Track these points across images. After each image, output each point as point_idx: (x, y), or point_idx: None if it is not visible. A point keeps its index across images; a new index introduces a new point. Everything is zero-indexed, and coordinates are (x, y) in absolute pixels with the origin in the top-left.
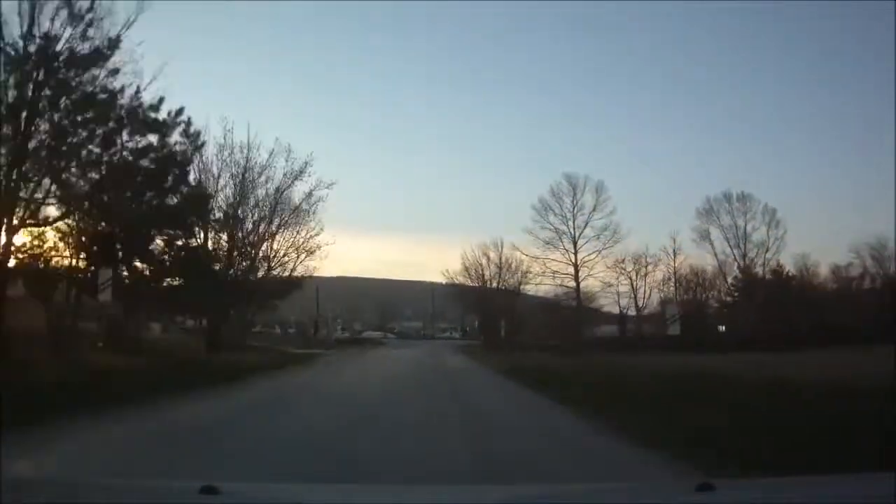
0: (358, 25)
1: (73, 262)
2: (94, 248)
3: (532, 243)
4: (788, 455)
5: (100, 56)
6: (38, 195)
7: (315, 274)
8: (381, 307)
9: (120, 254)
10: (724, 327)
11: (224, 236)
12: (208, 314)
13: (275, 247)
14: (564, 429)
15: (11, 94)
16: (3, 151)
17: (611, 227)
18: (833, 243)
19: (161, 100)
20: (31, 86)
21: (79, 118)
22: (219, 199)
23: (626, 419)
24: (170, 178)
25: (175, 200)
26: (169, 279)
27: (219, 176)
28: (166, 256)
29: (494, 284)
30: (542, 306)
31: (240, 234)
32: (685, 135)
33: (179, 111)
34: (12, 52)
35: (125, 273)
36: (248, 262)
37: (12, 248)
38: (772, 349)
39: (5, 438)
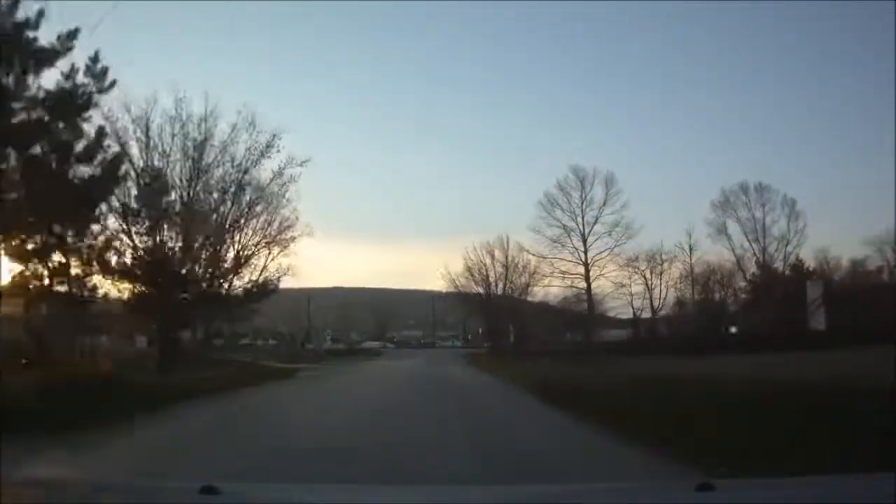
0: (347, 13)
1: None
2: None
3: (539, 243)
4: None
5: None
6: None
7: (310, 285)
8: (379, 316)
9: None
10: (734, 328)
11: (176, 229)
12: (161, 325)
13: (242, 240)
14: None
15: None
16: None
17: (623, 223)
18: (856, 235)
19: (41, 14)
20: None
21: None
22: (170, 181)
23: None
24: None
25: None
26: (113, 281)
27: (169, 154)
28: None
29: (500, 287)
30: (551, 309)
31: (196, 227)
32: (698, 123)
33: (73, 33)
34: None
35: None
36: (208, 260)
37: None
38: (790, 348)
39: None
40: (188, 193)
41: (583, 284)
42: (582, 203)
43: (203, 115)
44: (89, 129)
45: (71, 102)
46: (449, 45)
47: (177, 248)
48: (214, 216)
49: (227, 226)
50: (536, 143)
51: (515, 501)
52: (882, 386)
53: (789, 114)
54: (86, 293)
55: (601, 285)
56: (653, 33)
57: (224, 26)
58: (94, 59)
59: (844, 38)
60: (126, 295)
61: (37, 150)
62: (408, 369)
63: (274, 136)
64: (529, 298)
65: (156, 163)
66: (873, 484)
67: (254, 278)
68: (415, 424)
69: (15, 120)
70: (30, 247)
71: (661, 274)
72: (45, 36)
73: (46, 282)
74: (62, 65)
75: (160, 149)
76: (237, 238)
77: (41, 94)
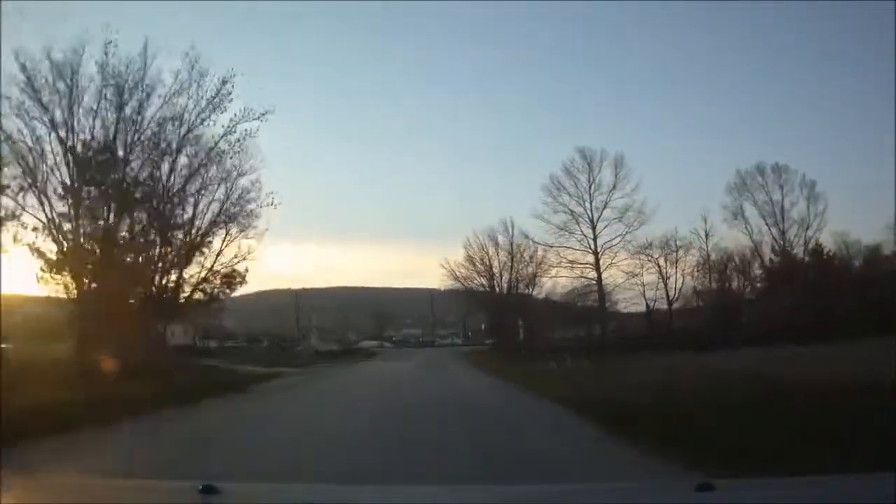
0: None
1: None
2: None
3: (545, 231)
4: None
5: None
6: None
7: (310, 285)
8: (377, 315)
9: None
10: (745, 318)
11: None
12: (80, 327)
13: (186, 216)
14: None
15: None
16: None
17: (633, 207)
18: (877, 217)
19: None
20: None
21: None
22: (88, 136)
23: None
24: None
25: None
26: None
27: (97, 110)
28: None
29: (505, 278)
30: (559, 302)
31: (131, 202)
32: (711, 100)
33: None
34: None
35: None
36: (148, 244)
37: None
38: (814, 340)
39: None
40: (122, 158)
41: (593, 274)
42: (590, 187)
43: (142, 63)
44: None
45: None
46: (448, 27)
47: (107, 231)
48: (155, 185)
49: (171, 197)
50: (538, 131)
51: (515, 501)
52: None
53: (807, 90)
54: None
55: (612, 275)
56: (665, 8)
57: (214, 27)
58: None
59: (864, 10)
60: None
61: None
62: (406, 374)
63: (224, 81)
64: (535, 291)
65: (81, 121)
66: (873, 484)
67: (209, 265)
68: None
69: None
70: None
71: (676, 262)
72: None
73: None
74: None
75: (84, 104)
76: (185, 214)
77: None
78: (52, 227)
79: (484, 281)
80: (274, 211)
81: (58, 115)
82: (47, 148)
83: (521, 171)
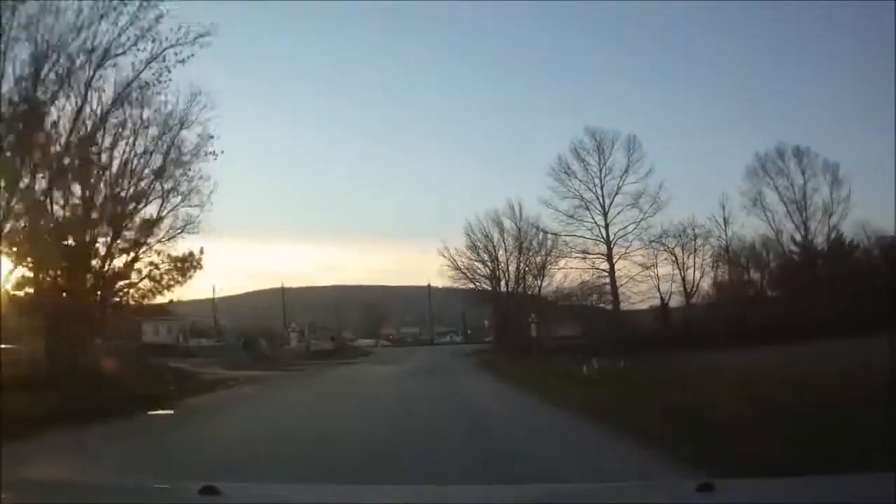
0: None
1: None
2: None
3: (552, 219)
4: None
5: None
6: None
7: (308, 284)
8: (374, 313)
9: None
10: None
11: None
12: None
13: (119, 177)
14: None
15: None
16: None
17: (647, 193)
18: None
19: None
20: None
21: None
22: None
23: None
24: None
25: None
26: None
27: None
28: None
29: (513, 268)
30: (568, 295)
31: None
32: (728, 78)
33: None
34: None
35: None
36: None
37: None
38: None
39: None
40: (21, 92)
41: (605, 265)
42: (601, 170)
43: None
44: None
45: None
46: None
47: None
48: (60, 129)
49: (83, 141)
50: (544, 120)
51: (515, 501)
52: None
53: (827, 69)
54: None
55: (625, 266)
56: None
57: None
58: None
59: None
60: None
61: None
62: (395, 385)
63: (161, 13)
64: (545, 283)
65: None
66: (873, 484)
67: (142, 240)
68: None
69: None
70: None
71: (694, 252)
72: None
73: None
74: None
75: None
76: (104, 172)
77: None
78: None
79: (488, 271)
80: (274, 211)
81: None
82: None
83: (524, 165)
